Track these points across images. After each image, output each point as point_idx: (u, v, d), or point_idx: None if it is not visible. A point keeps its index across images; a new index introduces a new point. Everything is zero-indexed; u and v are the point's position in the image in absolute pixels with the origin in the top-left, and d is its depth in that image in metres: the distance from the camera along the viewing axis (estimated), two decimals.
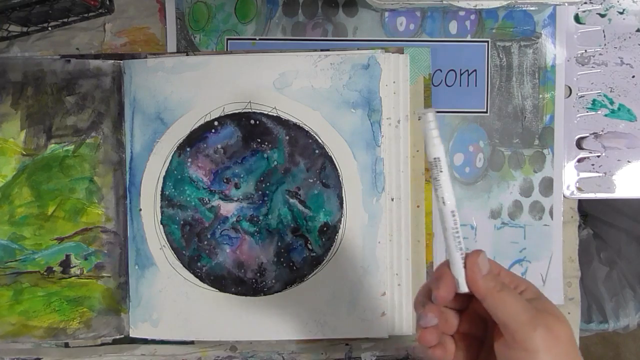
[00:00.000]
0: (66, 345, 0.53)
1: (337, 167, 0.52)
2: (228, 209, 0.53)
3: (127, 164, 0.53)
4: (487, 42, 0.54)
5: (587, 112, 0.55)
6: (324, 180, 0.52)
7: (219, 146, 0.53)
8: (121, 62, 0.53)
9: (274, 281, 0.53)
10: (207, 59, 0.52)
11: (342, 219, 0.52)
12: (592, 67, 0.55)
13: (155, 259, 0.53)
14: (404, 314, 0.53)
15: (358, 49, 0.53)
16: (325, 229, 0.52)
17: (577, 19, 0.55)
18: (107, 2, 0.53)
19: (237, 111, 0.52)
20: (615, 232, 0.74)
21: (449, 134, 0.54)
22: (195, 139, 0.53)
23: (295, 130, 0.52)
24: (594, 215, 0.75)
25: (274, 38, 0.54)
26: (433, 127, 0.33)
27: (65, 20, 0.53)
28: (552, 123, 0.55)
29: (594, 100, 0.55)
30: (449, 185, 0.34)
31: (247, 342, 0.55)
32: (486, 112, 0.54)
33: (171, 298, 0.53)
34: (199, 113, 0.52)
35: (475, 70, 0.54)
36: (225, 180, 0.53)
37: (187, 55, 0.53)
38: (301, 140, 0.52)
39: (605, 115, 0.55)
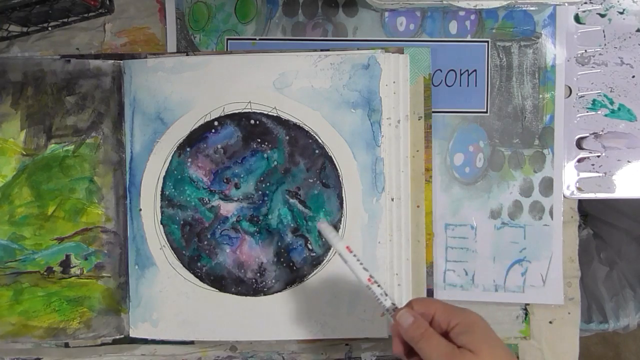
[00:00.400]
0: (66, 345, 0.53)
1: (337, 167, 0.52)
2: (228, 209, 0.53)
3: (127, 164, 0.53)
4: (487, 42, 0.54)
5: (587, 112, 0.55)
6: (324, 180, 0.52)
7: (219, 146, 0.53)
8: (121, 62, 0.53)
9: (274, 281, 0.53)
10: (207, 59, 0.52)
11: (342, 219, 0.52)
12: (592, 67, 0.55)
13: (155, 259, 0.53)
14: None
15: (358, 49, 0.53)
16: None
17: (577, 19, 0.55)
18: (107, 2, 0.53)
19: (237, 111, 0.52)
20: (615, 232, 0.74)
21: (449, 134, 0.54)
22: (195, 139, 0.53)
23: (295, 130, 0.52)
24: (594, 215, 0.75)
25: (274, 38, 0.54)
26: (330, 230, 0.43)
27: (65, 20, 0.53)
28: (552, 123, 0.55)
29: (594, 100, 0.55)
30: (358, 267, 0.42)
31: (247, 342, 0.55)
32: (486, 112, 0.54)
33: (171, 298, 0.53)
34: (199, 113, 0.52)
35: (475, 70, 0.54)
36: (225, 180, 0.53)
37: (187, 55, 0.53)
38: (301, 140, 0.52)
39: (605, 115, 0.55)
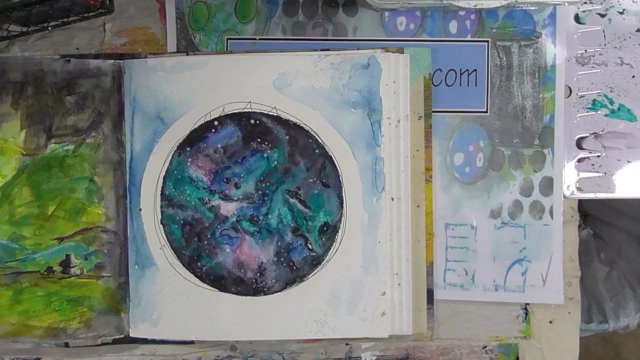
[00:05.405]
0: (66, 345, 0.53)
1: (337, 167, 0.52)
2: (228, 208, 0.53)
3: (127, 164, 0.53)
4: (487, 42, 0.54)
5: (587, 112, 0.55)
6: (324, 180, 0.52)
7: (219, 146, 0.53)
8: (121, 62, 0.53)
9: (274, 281, 0.53)
10: (207, 59, 0.52)
11: (342, 218, 0.52)
12: (592, 67, 0.55)
13: (155, 258, 0.53)
14: (404, 314, 0.53)
15: (358, 49, 0.53)
16: (325, 228, 0.52)
17: (577, 19, 0.55)
18: (107, 2, 0.53)
19: (237, 111, 0.52)
20: (615, 232, 0.74)
21: (449, 134, 0.54)
22: (195, 139, 0.53)
23: (295, 130, 0.52)
24: (594, 215, 0.75)
25: (274, 38, 0.54)
26: None
27: (65, 20, 0.53)
28: (552, 123, 0.55)
29: (594, 100, 0.55)
30: None
31: (247, 342, 0.55)
32: (486, 111, 0.55)
33: (171, 298, 0.53)
34: (199, 113, 0.52)
35: (475, 70, 0.54)
36: (225, 180, 0.53)
37: (187, 55, 0.53)
38: (301, 140, 0.52)
39: (605, 115, 0.55)
